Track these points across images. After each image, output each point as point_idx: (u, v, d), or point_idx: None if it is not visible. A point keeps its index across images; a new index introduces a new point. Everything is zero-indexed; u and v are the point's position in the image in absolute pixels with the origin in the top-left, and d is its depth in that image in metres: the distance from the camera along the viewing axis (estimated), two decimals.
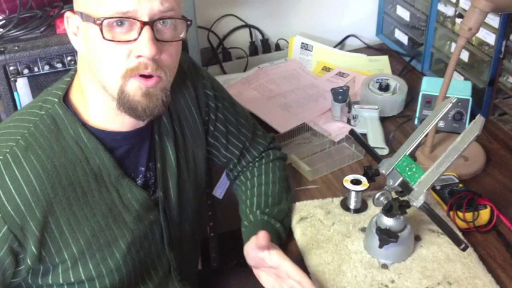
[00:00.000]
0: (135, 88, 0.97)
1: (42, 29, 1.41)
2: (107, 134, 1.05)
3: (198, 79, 1.21)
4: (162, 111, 1.02)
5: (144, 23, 0.93)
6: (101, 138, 1.03)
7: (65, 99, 1.04)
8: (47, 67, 1.37)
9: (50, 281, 1.06)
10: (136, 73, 0.96)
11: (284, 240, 1.25)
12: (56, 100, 1.03)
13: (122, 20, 0.93)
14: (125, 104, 0.99)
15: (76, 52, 1.36)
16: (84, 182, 1.02)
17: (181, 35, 1.00)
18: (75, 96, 1.05)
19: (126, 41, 0.94)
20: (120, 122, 1.05)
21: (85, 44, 0.99)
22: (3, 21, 1.41)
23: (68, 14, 1.00)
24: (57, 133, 1.01)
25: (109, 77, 0.97)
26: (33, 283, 1.07)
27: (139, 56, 0.95)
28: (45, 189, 0.97)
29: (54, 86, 1.07)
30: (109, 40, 0.93)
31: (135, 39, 0.94)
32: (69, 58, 1.38)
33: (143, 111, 0.99)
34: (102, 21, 0.92)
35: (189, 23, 1.00)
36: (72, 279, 1.07)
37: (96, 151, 1.03)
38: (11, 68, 1.34)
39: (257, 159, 1.35)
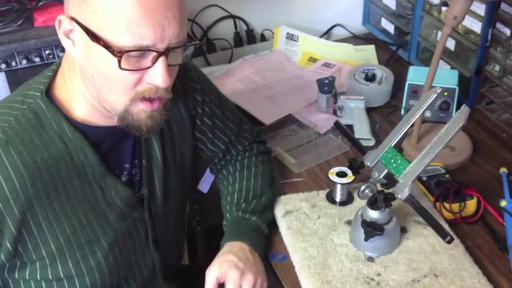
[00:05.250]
0: (140, 111, 0.97)
1: (19, 22, 1.39)
2: (91, 128, 1.03)
3: (185, 73, 1.19)
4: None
5: (160, 54, 0.92)
6: (85, 133, 1.02)
7: (48, 93, 1.01)
8: (24, 61, 1.34)
9: (27, 277, 1.05)
10: (142, 96, 0.96)
11: (266, 233, 1.24)
12: (38, 94, 1.00)
13: (140, 52, 0.91)
14: (128, 123, 0.99)
15: (55, 46, 1.35)
16: (67, 179, 1.00)
17: (187, 54, 1.00)
18: (58, 91, 1.02)
19: (141, 70, 0.93)
20: (104, 118, 1.03)
21: (86, 58, 0.94)
22: None
23: (61, 17, 0.94)
24: (40, 128, 0.99)
25: (115, 98, 0.96)
26: (9, 277, 1.06)
27: (151, 82, 0.95)
28: (25, 186, 0.95)
29: (35, 80, 1.05)
30: (125, 69, 0.91)
31: (149, 67, 0.93)
32: (47, 52, 1.35)
33: (147, 131, 1.00)
34: (123, 54, 0.89)
35: (197, 46, 1.00)
36: (50, 277, 1.05)
37: (80, 146, 1.01)
38: None
39: (241, 153, 1.34)
